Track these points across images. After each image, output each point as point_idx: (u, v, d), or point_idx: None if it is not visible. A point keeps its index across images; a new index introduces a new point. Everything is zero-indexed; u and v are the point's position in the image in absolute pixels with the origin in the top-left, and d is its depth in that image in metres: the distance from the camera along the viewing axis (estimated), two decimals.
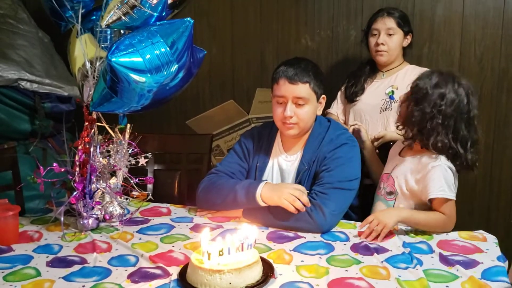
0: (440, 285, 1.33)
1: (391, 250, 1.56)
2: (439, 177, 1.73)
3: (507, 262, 1.49)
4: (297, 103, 1.85)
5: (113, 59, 1.55)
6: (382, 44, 2.35)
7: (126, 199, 1.96)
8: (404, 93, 1.87)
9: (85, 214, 1.77)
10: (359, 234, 1.69)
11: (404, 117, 1.82)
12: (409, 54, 2.50)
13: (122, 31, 1.84)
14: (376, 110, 2.40)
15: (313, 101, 1.88)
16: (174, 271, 1.43)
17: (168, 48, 1.64)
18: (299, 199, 1.71)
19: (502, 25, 2.60)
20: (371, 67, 2.48)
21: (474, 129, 1.77)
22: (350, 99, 2.47)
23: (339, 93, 2.56)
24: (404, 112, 1.82)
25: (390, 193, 1.87)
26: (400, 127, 1.87)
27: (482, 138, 1.83)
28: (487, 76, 2.65)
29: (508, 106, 2.65)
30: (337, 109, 2.56)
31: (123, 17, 1.69)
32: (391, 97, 2.37)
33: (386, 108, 2.38)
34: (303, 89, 1.84)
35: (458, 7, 2.65)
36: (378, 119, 2.39)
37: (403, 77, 2.38)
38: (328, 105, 2.48)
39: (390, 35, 2.35)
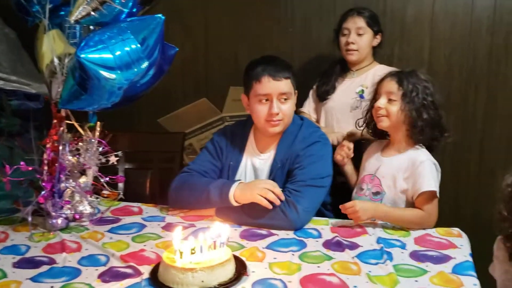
0: (409, 280, 1.36)
1: (362, 246, 1.58)
2: (428, 172, 1.77)
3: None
4: (281, 99, 1.85)
5: (82, 56, 1.52)
6: (352, 43, 2.39)
7: (97, 198, 1.92)
8: (385, 97, 1.86)
9: (54, 213, 1.74)
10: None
11: (399, 120, 1.82)
12: (378, 54, 2.54)
13: (91, 27, 1.81)
14: (346, 108, 2.43)
15: (293, 96, 1.90)
16: (146, 270, 1.42)
17: (138, 45, 1.61)
18: (272, 192, 1.71)
19: (471, 24, 2.65)
20: (342, 66, 2.51)
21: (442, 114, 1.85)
22: (322, 97, 2.50)
23: (311, 92, 2.58)
24: (398, 115, 1.82)
25: (376, 193, 1.88)
26: (383, 124, 1.88)
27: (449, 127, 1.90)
28: (455, 74, 2.71)
29: (476, 103, 2.71)
30: (309, 108, 2.58)
31: (92, 13, 1.66)
32: (361, 96, 2.41)
33: (356, 106, 2.41)
34: (286, 85, 1.85)
35: (428, 7, 2.69)
36: (349, 117, 2.42)
37: (372, 77, 2.41)
38: (300, 103, 2.50)
39: (360, 34, 2.39)
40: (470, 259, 1.50)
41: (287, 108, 1.87)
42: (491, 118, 2.70)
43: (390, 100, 1.83)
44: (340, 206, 1.74)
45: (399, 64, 2.62)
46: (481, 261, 1.55)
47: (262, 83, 1.84)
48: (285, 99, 1.86)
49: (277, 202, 1.71)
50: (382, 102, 1.84)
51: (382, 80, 1.89)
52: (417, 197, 1.77)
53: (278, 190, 1.73)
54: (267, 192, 1.70)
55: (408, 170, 1.81)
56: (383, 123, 1.86)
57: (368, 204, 1.76)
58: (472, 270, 1.42)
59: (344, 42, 2.42)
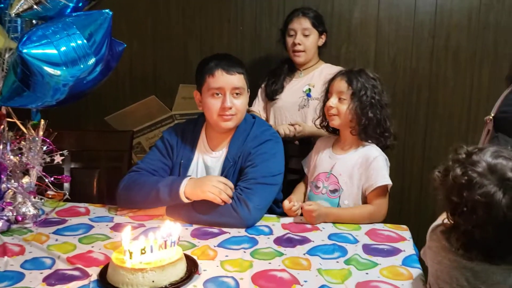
0: (361, 273, 1.39)
1: (313, 241, 1.61)
2: (382, 166, 1.83)
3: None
4: (234, 94, 1.86)
5: (25, 51, 1.47)
6: (299, 44, 2.44)
7: (41, 199, 1.86)
8: (336, 97, 1.90)
9: None
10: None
11: (349, 118, 1.86)
12: (324, 53, 2.60)
13: (34, 21, 1.74)
14: (295, 107, 2.48)
15: (246, 92, 1.92)
16: (94, 271, 1.38)
17: (85, 41, 1.58)
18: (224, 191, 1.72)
19: (413, 28, 2.76)
20: (290, 66, 2.56)
21: (388, 113, 1.91)
22: (270, 97, 2.54)
23: (259, 91, 2.61)
24: (348, 114, 1.86)
25: (334, 191, 1.90)
26: (334, 122, 1.92)
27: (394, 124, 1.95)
28: (399, 76, 2.81)
29: (418, 104, 2.83)
30: (258, 107, 2.60)
31: (35, 6, 1.60)
32: (308, 95, 2.47)
33: (304, 105, 2.47)
34: (240, 79, 1.86)
35: (373, 10, 2.78)
36: (297, 116, 2.48)
37: (319, 76, 2.48)
38: (250, 102, 2.51)
39: (306, 35, 2.44)
40: (414, 252, 1.56)
41: (240, 103, 1.87)
42: (432, 117, 2.82)
43: (340, 99, 1.87)
44: (302, 205, 1.76)
45: (346, 65, 2.68)
46: None
47: (215, 77, 1.84)
48: (238, 94, 1.87)
49: (229, 201, 1.72)
50: (332, 101, 1.89)
51: (333, 80, 1.93)
52: (370, 192, 1.83)
53: (229, 192, 1.73)
54: (220, 192, 1.71)
55: (362, 166, 1.86)
56: (334, 122, 1.91)
57: (322, 210, 1.77)
58: (417, 262, 1.47)
59: (291, 43, 2.46)
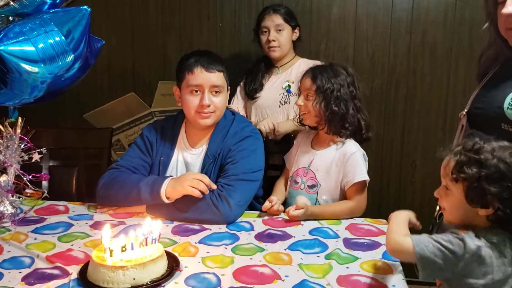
0: (341, 267, 1.41)
1: (294, 237, 1.62)
2: (360, 162, 1.84)
3: None
4: (213, 92, 1.86)
5: (2, 48, 1.45)
6: (273, 40, 2.46)
7: (19, 197, 1.83)
8: (304, 95, 1.91)
9: None
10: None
11: (317, 115, 1.87)
12: (300, 48, 2.62)
13: (11, 18, 1.72)
14: (275, 104, 2.49)
15: (226, 90, 1.92)
16: (74, 270, 1.37)
17: (63, 37, 1.56)
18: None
19: (391, 24, 2.80)
20: (266, 64, 2.57)
21: (361, 107, 1.92)
22: (251, 96, 2.55)
23: (238, 89, 2.61)
24: (315, 110, 1.87)
25: (312, 186, 1.91)
26: (307, 121, 1.93)
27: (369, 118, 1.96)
28: (378, 72, 2.84)
29: (396, 100, 2.86)
30: (237, 104, 2.61)
31: (11, 3, 1.58)
32: (288, 91, 2.49)
33: (285, 101, 2.48)
34: (219, 77, 1.86)
35: (352, 6, 2.80)
36: (278, 112, 2.49)
37: (297, 71, 2.50)
38: (229, 99, 2.52)
39: (279, 30, 2.46)
40: None
41: (219, 101, 1.87)
42: (410, 113, 2.87)
43: (307, 97, 1.89)
44: (287, 211, 1.75)
45: (325, 61, 2.69)
46: None
47: (194, 74, 1.84)
48: (217, 92, 1.87)
49: (206, 192, 1.72)
50: (300, 100, 1.92)
51: (301, 78, 1.95)
52: (349, 187, 1.84)
53: (207, 180, 1.73)
54: (198, 183, 1.70)
55: (340, 162, 1.87)
56: (307, 120, 1.94)
57: (307, 213, 1.76)
58: None
59: (265, 40, 2.48)
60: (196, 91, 1.86)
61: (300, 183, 1.95)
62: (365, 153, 1.90)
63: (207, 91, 1.85)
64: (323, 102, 1.85)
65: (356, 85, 1.91)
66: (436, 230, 1.50)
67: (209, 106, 1.85)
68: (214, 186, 1.75)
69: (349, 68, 1.94)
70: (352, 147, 1.88)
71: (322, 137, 1.95)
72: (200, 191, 1.70)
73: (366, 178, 1.84)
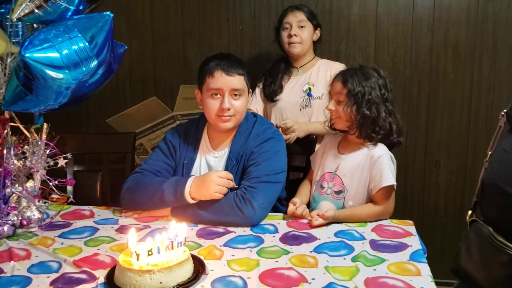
0: (368, 269, 1.39)
1: (319, 239, 1.61)
2: (387, 166, 1.79)
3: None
4: (233, 95, 1.86)
5: (27, 55, 1.47)
6: (295, 35, 2.43)
7: (45, 202, 1.85)
8: (334, 99, 1.86)
9: None
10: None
11: (348, 119, 1.83)
12: (320, 50, 2.60)
13: (35, 25, 1.74)
14: (296, 108, 2.47)
15: (246, 93, 1.91)
16: (101, 274, 1.38)
17: (87, 43, 1.58)
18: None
19: (412, 23, 2.76)
20: (286, 64, 2.55)
21: (393, 111, 1.87)
22: (270, 98, 2.52)
23: (257, 91, 2.59)
24: (346, 115, 1.83)
25: (339, 192, 1.87)
26: (338, 125, 1.89)
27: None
28: (400, 71, 2.81)
29: (419, 98, 2.83)
30: (256, 106, 2.59)
31: (36, 11, 1.60)
32: (309, 95, 2.46)
33: (306, 105, 2.45)
34: (239, 81, 1.86)
35: (372, 6, 2.78)
36: (299, 116, 2.46)
37: (317, 73, 2.48)
38: None
39: (301, 27, 2.44)
40: (422, 247, 1.56)
41: (239, 104, 1.87)
42: (433, 112, 2.83)
43: (339, 102, 1.85)
44: (311, 220, 1.72)
45: (346, 61, 2.68)
46: (428, 248, 1.64)
47: (214, 78, 1.85)
48: (237, 95, 1.87)
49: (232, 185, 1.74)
50: (331, 104, 1.87)
51: (332, 82, 1.90)
52: (376, 192, 1.80)
53: (230, 177, 1.76)
54: (224, 186, 1.73)
55: (367, 166, 1.82)
56: (338, 125, 1.89)
57: (330, 220, 1.73)
58: (424, 258, 1.47)
59: (287, 35, 2.46)
60: (216, 95, 1.86)
61: (327, 188, 1.90)
62: (393, 156, 1.85)
63: (227, 95, 1.85)
64: (354, 106, 1.80)
65: (388, 87, 1.86)
66: (466, 237, 1.45)
67: (229, 109, 1.85)
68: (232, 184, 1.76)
69: (381, 70, 1.88)
70: (379, 150, 1.83)
71: (350, 141, 1.90)
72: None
73: (393, 182, 1.78)
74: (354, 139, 1.88)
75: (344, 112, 1.82)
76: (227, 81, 1.84)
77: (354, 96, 1.81)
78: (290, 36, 2.44)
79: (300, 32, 2.44)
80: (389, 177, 1.78)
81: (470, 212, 1.47)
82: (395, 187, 1.81)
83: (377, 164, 1.80)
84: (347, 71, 1.88)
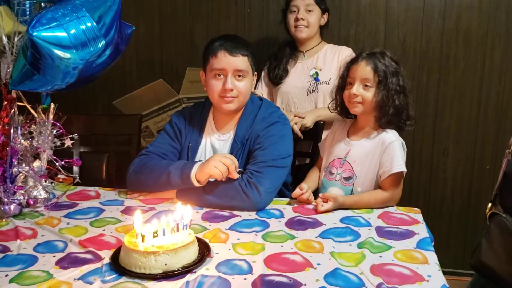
0: (374, 256, 1.38)
1: (325, 224, 1.61)
2: (398, 152, 1.77)
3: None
4: (236, 76, 1.84)
5: (35, 34, 1.45)
6: (302, 19, 2.39)
7: (51, 183, 1.85)
8: (361, 83, 1.80)
9: (6, 199, 1.66)
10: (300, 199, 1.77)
11: (374, 106, 1.79)
12: (328, 34, 2.57)
13: (43, 4, 1.73)
14: (303, 92, 2.44)
15: (251, 75, 1.90)
16: (106, 255, 1.38)
17: (94, 23, 1.55)
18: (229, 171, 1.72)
19: (423, 8, 2.72)
20: (291, 48, 2.51)
21: (408, 97, 1.84)
22: (275, 82, 2.50)
23: (262, 74, 2.57)
24: (372, 102, 1.79)
25: (348, 178, 1.86)
26: (355, 109, 1.84)
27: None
28: (409, 57, 2.77)
29: (428, 86, 2.79)
30: (262, 90, 2.57)
31: None
32: (316, 79, 2.43)
33: (313, 90, 2.43)
34: (243, 62, 1.85)
35: None
36: (306, 101, 2.44)
37: (323, 57, 2.45)
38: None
39: (309, 11, 2.40)
40: (429, 235, 1.55)
41: (242, 85, 1.86)
42: (442, 100, 2.79)
43: (366, 86, 1.79)
44: (323, 196, 1.72)
45: (355, 47, 2.65)
46: (434, 236, 1.62)
47: (218, 58, 1.83)
48: (240, 76, 1.85)
49: (234, 177, 1.72)
50: (358, 89, 1.79)
51: (354, 64, 1.82)
52: (385, 178, 1.78)
53: (236, 162, 1.74)
54: (225, 170, 1.70)
55: (378, 151, 1.80)
56: (357, 109, 1.82)
57: (336, 205, 1.71)
58: (431, 246, 1.46)
59: (294, 19, 2.41)
60: (219, 75, 1.85)
61: (336, 175, 1.89)
62: (403, 142, 1.83)
63: (230, 75, 1.83)
64: (386, 95, 1.76)
65: (405, 77, 1.83)
66: (487, 231, 1.42)
67: (232, 90, 1.84)
68: (236, 176, 1.73)
69: (395, 58, 1.85)
70: (391, 136, 1.80)
71: (360, 126, 1.88)
72: (228, 174, 1.71)
73: (404, 169, 1.76)
74: (364, 125, 1.86)
75: (373, 98, 1.78)
76: (230, 61, 1.83)
77: (386, 84, 1.77)
78: (297, 19, 2.40)
79: (307, 16, 2.40)
80: (399, 164, 1.76)
81: (490, 205, 1.45)
82: (404, 174, 1.79)
83: (388, 150, 1.78)
84: (374, 54, 1.82)
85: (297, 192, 1.77)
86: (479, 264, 1.44)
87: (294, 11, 2.41)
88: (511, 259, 1.30)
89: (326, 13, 2.47)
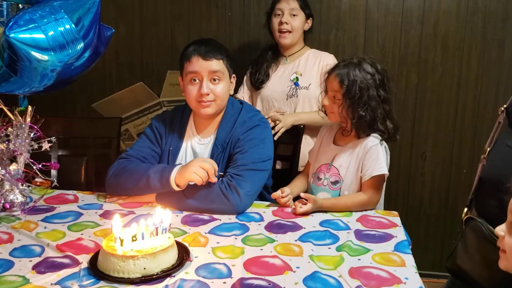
0: (353, 259, 1.40)
1: (304, 228, 1.61)
2: (380, 155, 1.79)
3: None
4: (212, 79, 1.84)
5: (12, 35, 1.44)
6: (286, 23, 2.39)
7: (28, 186, 1.83)
8: (330, 96, 1.85)
9: None
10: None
11: (342, 118, 1.84)
12: (310, 39, 2.58)
13: (20, 5, 1.71)
14: (283, 97, 2.45)
15: (227, 78, 1.89)
16: (84, 259, 1.37)
17: (73, 25, 1.55)
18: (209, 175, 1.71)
19: (402, 14, 2.76)
20: (274, 53, 2.52)
21: (391, 111, 1.86)
22: (256, 86, 2.50)
23: (245, 78, 2.57)
24: (340, 114, 1.83)
25: (335, 182, 1.87)
26: (332, 119, 1.89)
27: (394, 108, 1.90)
28: (388, 62, 2.81)
29: (407, 90, 2.83)
30: (243, 94, 2.57)
31: None
32: (296, 84, 2.44)
33: (292, 94, 2.43)
34: (218, 65, 1.85)
35: None
36: (285, 105, 2.45)
37: (305, 62, 2.46)
38: (236, 88, 2.50)
39: (293, 15, 2.40)
40: (407, 238, 1.57)
41: (219, 89, 1.85)
42: (421, 104, 2.84)
43: (334, 99, 1.83)
44: (304, 195, 1.73)
45: (335, 51, 2.68)
46: (411, 239, 1.65)
47: (192, 63, 1.84)
48: (216, 80, 1.85)
49: (213, 181, 1.71)
50: (325, 100, 1.86)
51: (328, 76, 1.87)
52: (365, 180, 1.79)
53: (215, 167, 1.73)
54: (205, 175, 1.69)
55: (360, 155, 1.82)
56: (332, 119, 1.89)
57: (315, 206, 1.73)
58: (409, 249, 1.48)
59: (278, 23, 2.41)
60: (195, 80, 1.85)
61: (323, 179, 1.91)
62: (386, 146, 1.85)
63: (205, 79, 1.83)
64: (350, 107, 1.79)
65: (386, 86, 1.83)
66: (463, 235, 1.44)
67: (208, 94, 1.83)
68: (214, 180, 1.73)
69: (379, 65, 1.85)
70: (374, 139, 1.82)
71: (346, 132, 1.89)
72: (208, 179, 1.70)
73: (385, 172, 1.78)
74: (349, 131, 1.88)
75: (339, 112, 1.82)
76: (204, 65, 1.83)
77: (351, 98, 1.79)
78: (281, 23, 2.40)
79: (291, 20, 2.40)
80: (380, 167, 1.78)
81: (465, 209, 1.47)
82: (385, 178, 1.81)
83: (370, 152, 1.80)
84: (345, 67, 1.83)
85: (277, 193, 1.78)
86: (455, 267, 1.46)
87: (279, 15, 2.42)
88: (485, 263, 1.32)
89: (311, 18, 2.48)
